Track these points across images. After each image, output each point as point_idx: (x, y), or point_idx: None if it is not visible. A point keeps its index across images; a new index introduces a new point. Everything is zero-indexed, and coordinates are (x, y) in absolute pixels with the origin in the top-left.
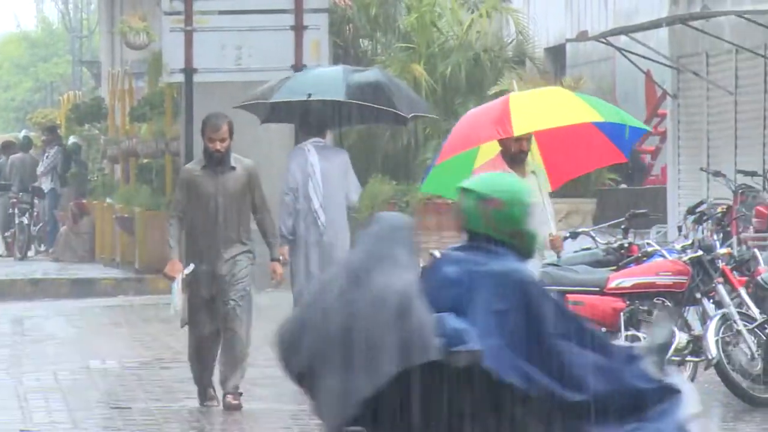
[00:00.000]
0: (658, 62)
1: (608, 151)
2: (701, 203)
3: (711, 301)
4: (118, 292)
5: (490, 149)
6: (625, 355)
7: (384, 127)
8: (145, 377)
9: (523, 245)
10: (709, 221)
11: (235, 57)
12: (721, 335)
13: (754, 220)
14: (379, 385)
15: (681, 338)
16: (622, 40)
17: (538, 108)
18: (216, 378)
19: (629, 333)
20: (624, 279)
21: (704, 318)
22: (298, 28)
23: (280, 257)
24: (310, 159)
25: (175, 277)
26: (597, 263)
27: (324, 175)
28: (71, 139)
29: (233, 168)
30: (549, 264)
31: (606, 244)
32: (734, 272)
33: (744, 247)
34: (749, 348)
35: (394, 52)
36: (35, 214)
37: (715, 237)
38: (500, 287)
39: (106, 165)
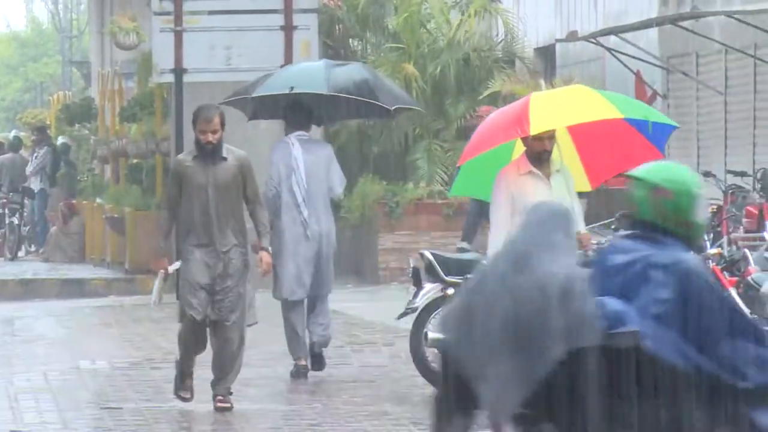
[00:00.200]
0: (647, 62)
1: (644, 149)
2: None
3: None
4: (109, 293)
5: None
6: None
7: (374, 126)
8: (135, 377)
9: (690, 235)
10: None
11: (225, 57)
12: None
13: (744, 220)
14: (547, 370)
15: None
16: (611, 41)
17: (555, 107)
18: (210, 378)
19: None
20: None
21: None
22: (288, 29)
23: (269, 248)
24: (294, 152)
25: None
26: (588, 263)
27: (308, 168)
28: (60, 140)
29: (224, 159)
30: None
31: (596, 244)
32: (725, 272)
33: (734, 248)
34: None
35: (384, 53)
36: (25, 214)
37: (705, 237)
38: (666, 276)
39: (96, 165)
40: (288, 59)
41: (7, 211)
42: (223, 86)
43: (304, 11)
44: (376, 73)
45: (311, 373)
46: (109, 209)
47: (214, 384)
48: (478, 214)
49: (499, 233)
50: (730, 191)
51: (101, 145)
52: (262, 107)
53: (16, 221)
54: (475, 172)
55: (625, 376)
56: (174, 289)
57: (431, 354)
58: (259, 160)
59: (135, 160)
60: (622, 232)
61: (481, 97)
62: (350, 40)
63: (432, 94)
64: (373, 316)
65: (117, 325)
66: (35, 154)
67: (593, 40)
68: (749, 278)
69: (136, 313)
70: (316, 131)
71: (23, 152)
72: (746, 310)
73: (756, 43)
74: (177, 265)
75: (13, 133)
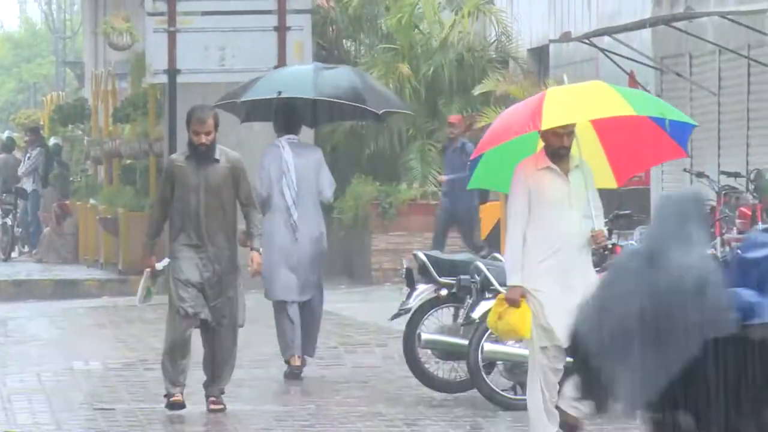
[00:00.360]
0: (641, 63)
1: (668, 147)
2: None
3: None
4: (102, 293)
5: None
6: None
7: (368, 127)
8: (128, 378)
9: None
10: None
11: (218, 58)
12: None
13: (737, 221)
14: (684, 362)
15: None
16: (605, 41)
17: (569, 102)
18: (202, 379)
19: None
20: None
21: None
22: (281, 29)
23: (260, 249)
24: (285, 156)
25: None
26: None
27: (298, 171)
28: (52, 140)
29: (217, 160)
30: None
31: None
32: None
33: (727, 249)
34: None
35: (378, 53)
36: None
37: None
38: None
39: (89, 166)
40: (281, 60)
41: (0, 211)
42: (216, 87)
43: (298, 12)
44: (366, 76)
45: (305, 374)
46: (102, 210)
47: (207, 385)
48: (447, 220)
49: (516, 225)
50: (724, 192)
51: (94, 146)
52: (254, 110)
53: (9, 222)
54: (495, 165)
55: (758, 367)
56: (163, 290)
57: (424, 355)
58: (254, 162)
59: (128, 161)
60: (762, 226)
61: (474, 96)
62: (344, 41)
63: (425, 94)
64: (367, 317)
65: (110, 325)
66: (28, 155)
67: (587, 41)
68: None
69: (129, 314)
70: (309, 134)
71: (16, 153)
72: None
73: (749, 44)
74: (165, 262)
75: (6, 134)
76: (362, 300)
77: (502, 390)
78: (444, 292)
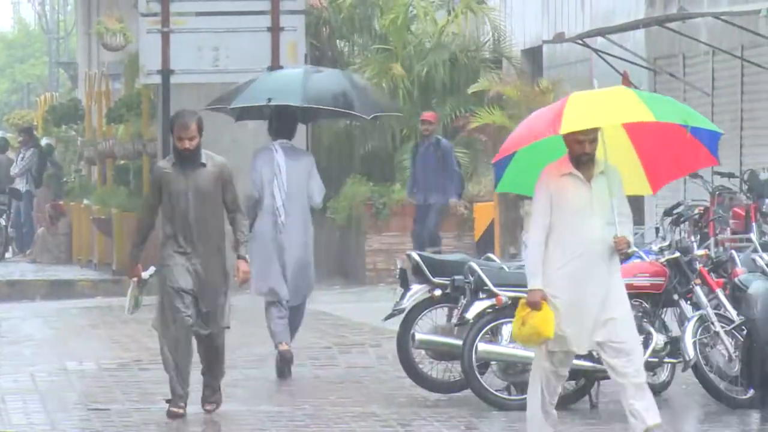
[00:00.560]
0: (634, 63)
1: (700, 154)
2: (678, 205)
3: (688, 302)
4: (96, 294)
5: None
6: None
7: (361, 127)
8: (122, 379)
9: None
10: (687, 223)
11: (212, 58)
12: (698, 337)
13: (731, 221)
14: None
15: (658, 340)
16: (598, 42)
17: (589, 108)
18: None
19: None
20: None
21: (682, 319)
22: (275, 30)
23: (247, 255)
24: (277, 159)
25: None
26: None
27: (289, 175)
28: (44, 140)
29: (203, 165)
30: None
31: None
32: (711, 274)
33: (721, 249)
34: (726, 349)
35: (371, 54)
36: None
37: (692, 238)
38: None
39: (83, 166)
40: (275, 61)
41: None
42: (210, 88)
43: (291, 13)
44: (356, 79)
45: (300, 375)
46: (96, 210)
47: (204, 389)
48: (423, 222)
49: (537, 230)
50: (717, 192)
51: (88, 147)
52: (247, 110)
53: (3, 222)
54: (524, 168)
55: None
56: (151, 292)
57: (418, 355)
58: (247, 163)
59: (122, 162)
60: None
61: (467, 97)
62: (337, 41)
63: (419, 94)
64: (360, 317)
65: (104, 326)
66: (21, 156)
67: (580, 42)
68: (736, 279)
69: (123, 315)
70: (304, 135)
71: (9, 153)
72: (733, 312)
73: (743, 45)
74: (151, 270)
75: None
76: (356, 300)
77: (496, 390)
78: (438, 292)
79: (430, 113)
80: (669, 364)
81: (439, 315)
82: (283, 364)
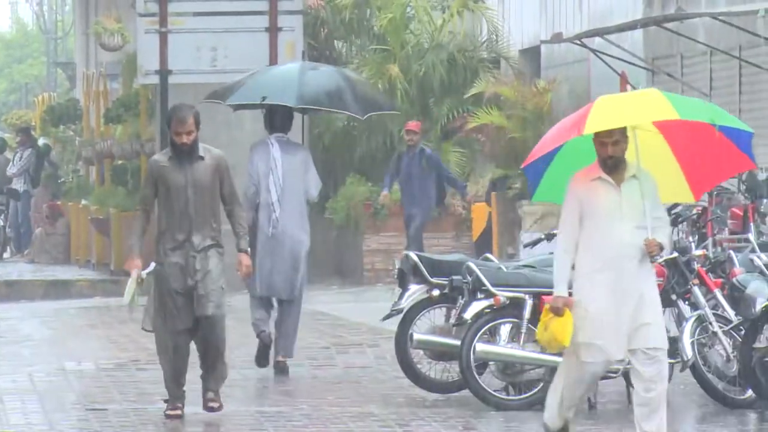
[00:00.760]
0: (632, 64)
1: (738, 157)
2: (676, 205)
3: (686, 302)
4: (94, 294)
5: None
6: None
7: (360, 127)
8: (120, 379)
9: None
10: (685, 223)
11: (210, 58)
12: (696, 337)
13: (729, 221)
14: None
15: None
16: (596, 42)
17: (612, 110)
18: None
19: None
20: None
21: (680, 320)
22: (273, 30)
23: (248, 249)
24: (273, 153)
25: (131, 272)
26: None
27: (285, 169)
28: (41, 140)
29: (201, 158)
30: (525, 266)
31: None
32: (710, 274)
33: (719, 249)
34: (725, 350)
35: (369, 54)
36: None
37: (690, 239)
38: None
39: (81, 166)
40: (273, 61)
41: None
42: (208, 88)
43: (289, 13)
44: (351, 77)
45: (298, 375)
46: (94, 211)
47: (203, 388)
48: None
49: (565, 236)
50: (715, 193)
51: (86, 147)
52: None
53: (1, 223)
54: (560, 178)
55: None
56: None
57: (416, 355)
58: (245, 161)
59: (120, 162)
60: None
61: (465, 98)
62: (335, 41)
63: (417, 94)
64: (358, 317)
65: (102, 326)
66: (18, 156)
67: (578, 42)
68: (734, 280)
69: (121, 315)
70: (297, 126)
71: (7, 153)
72: (731, 312)
73: (741, 45)
74: (151, 268)
75: None
76: (354, 300)
77: (494, 390)
78: (436, 292)
79: (414, 123)
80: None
81: (437, 315)
82: (262, 353)
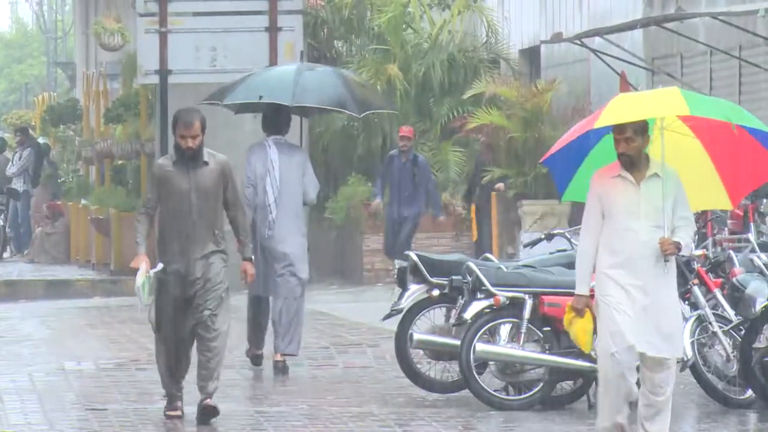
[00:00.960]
0: (632, 64)
1: (765, 159)
2: None
3: (686, 302)
4: (94, 294)
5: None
6: None
7: (359, 128)
8: (120, 379)
9: None
10: None
11: (209, 58)
12: (696, 337)
13: (729, 221)
14: None
15: None
16: (596, 42)
17: (626, 105)
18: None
19: None
20: None
21: None
22: (273, 30)
23: (252, 257)
24: (271, 155)
25: (138, 269)
26: (572, 265)
27: (282, 171)
28: (40, 140)
29: (206, 163)
30: (524, 266)
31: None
32: (709, 274)
33: (719, 249)
34: (725, 349)
35: (369, 54)
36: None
37: None
38: None
39: (81, 166)
40: (273, 61)
41: None
42: (207, 88)
43: (289, 13)
44: (348, 77)
45: (297, 375)
46: (94, 210)
47: (201, 388)
48: (394, 227)
49: (586, 234)
50: None
51: (86, 147)
52: (245, 104)
53: (0, 222)
54: (585, 176)
55: None
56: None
57: (416, 355)
58: (243, 163)
59: (120, 162)
60: None
61: (465, 98)
62: (335, 41)
63: (416, 94)
64: (358, 317)
65: (102, 326)
66: (18, 155)
67: (578, 42)
68: (734, 279)
69: (121, 314)
70: (295, 128)
71: (7, 153)
72: (731, 312)
73: (741, 45)
74: (159, 267)
75: None
76: (354, 300)
77: (494, 390)
78: (436, 292)
79: (408, 128)
80: None
81: (437, 315)
82: (253, 362)
